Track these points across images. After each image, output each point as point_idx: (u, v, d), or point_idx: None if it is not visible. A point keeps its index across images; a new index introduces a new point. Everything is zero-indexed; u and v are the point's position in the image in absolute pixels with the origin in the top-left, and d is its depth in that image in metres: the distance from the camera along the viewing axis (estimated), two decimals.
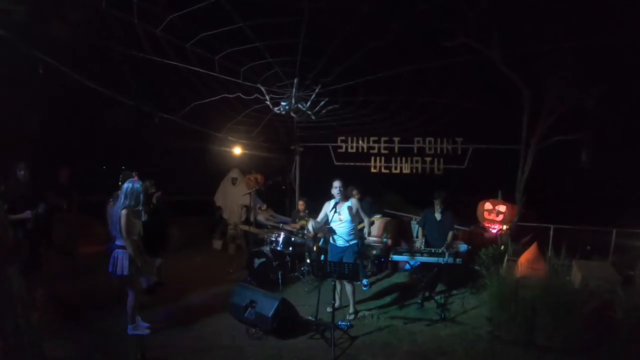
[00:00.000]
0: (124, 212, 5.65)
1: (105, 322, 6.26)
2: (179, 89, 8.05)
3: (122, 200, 5.75)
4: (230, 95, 8.10)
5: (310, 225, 6.93)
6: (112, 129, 10.11)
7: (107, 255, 5.91)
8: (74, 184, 8.77)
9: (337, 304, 6.59)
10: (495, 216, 9.09)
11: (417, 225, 8.83)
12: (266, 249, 8.42)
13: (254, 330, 6.09)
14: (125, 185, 5.83)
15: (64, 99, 8.20)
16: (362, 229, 7.50)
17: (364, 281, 8.21)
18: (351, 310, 6.92)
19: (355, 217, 6.84)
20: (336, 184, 6.82)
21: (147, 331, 5.94)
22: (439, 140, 10.19)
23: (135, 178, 6.29)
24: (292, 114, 8.58)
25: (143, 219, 6.05)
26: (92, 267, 7.29)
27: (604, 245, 8.15)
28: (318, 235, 9.10)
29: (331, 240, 7.00)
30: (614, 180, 10.27)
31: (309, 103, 8.26)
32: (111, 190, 6.65)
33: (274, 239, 8.75)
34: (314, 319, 6.40)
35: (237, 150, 11.62)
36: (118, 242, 5.77)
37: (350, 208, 6.76)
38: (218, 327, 6.38)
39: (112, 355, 5.35)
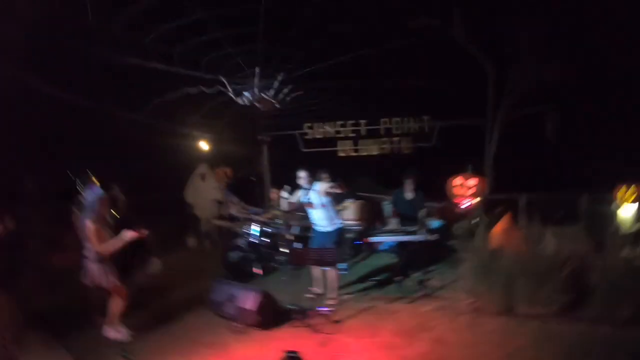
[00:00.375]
0: (90, 223, 5.44)
1: (86, 332, 6.03)
2: (141, 86, 7.86)
3: (87, 211, 5.54)
4: (192, 90, 7.96)
5: (285, 194, 6.79)
6: (74, 132, 9.79)
7: (81, 265, 5.71)
8: (42, 193, 8.47)
9: (317, 290, 6.57)
10: (466, 190, 9.21)
11: (389, 206, 8.87)
12: (241, 242, 8.34)
13: (236, 324, 6.03)
14: (87, 195, 5.62)
15: (21, 104, 7.86)
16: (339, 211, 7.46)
17: (342, 265, 8.20)
18: (331, 294, 6.91)
19: (329, 199, 6.78)
20: (301, 174, 6.76)
21: (128, 336, 5.76)
22: (405, 119, 10.23)
23: (94, 183, 6.09)
24: (255, 103, 8.48)
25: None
26: (69, 278, 7.05)
27: (574, 211, 8.34)
28: (292, 223, 9.06)
29: (314, 227, 6.96)
30: (581, 149, 10.54)
31: (272, 91, 8.18)
32: (75, 197, 6.38)
33: (248, 231, 8.67)
34: (295, 307, 6.37)
35: (204, 145, 11.43)
36: (88, 253, 5.57)
37: (318, 192, 6.71)
38: (200, 325, 6.28)
39: None
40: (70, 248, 6.23)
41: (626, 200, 7.66)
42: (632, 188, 7.68)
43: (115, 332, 5.78)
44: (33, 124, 9.12)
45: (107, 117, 8.58)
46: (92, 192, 5.59)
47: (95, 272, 5.53)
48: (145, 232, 5.71)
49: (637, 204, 7.68)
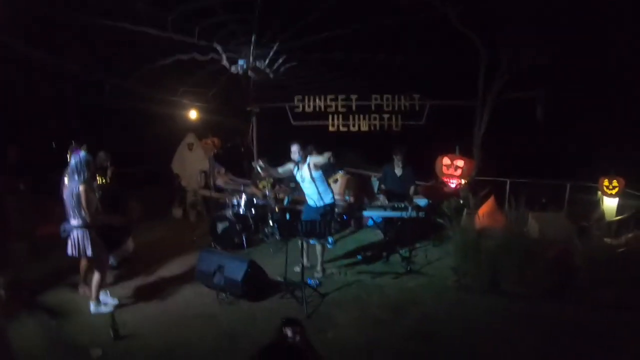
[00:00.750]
0: (82, 187, 5.31)
1: (73, 304, 5.94)
2: (130, 52, 7.66)
3: (75, 176, 5.39)
4: (184, 57, 7.80)
5: (258, 166, 6.76)
6: (60, 101, 9.54)
7: (64, 237, 5.61)
8: (25, 164, 8.30)
9: (305, 263, 6.60)
10: (453, 171, 9.27)
11: (377, 182, 8.90)
12: (228, 212, 8.30)
13: (224, 295, 6.03)
14: (73, 160, 5.44)
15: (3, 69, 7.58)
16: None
17: (329, 239, 8.24)
18: (319, 268, 6.96)
19: (320, 173, 6.78)
20: (294, 148, 6.70)
21: (111, 308, 5.69)
22: (396, 97, 10.20)
23: (78, 149, 5.95)
24: (249, 72, 8.36)
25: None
26: (53, 249, 6.94)
27: (558, 198, 8.52)
28: (280, 196, 9.06)
29: (307, 201, 6.96)
30: (568, 137, 10.69)
31: (266, 61, 8.07)
32: (63, 168, 6.20)
33: (235, 202, 8.63)
34: (283, 279, 6.41)
35: (193, 114, 11.28)
36: (74, 222, 5.42)
37: (309, 166, 6.70)
38: (188, 296, 6.26)
39: (84, 337, 5.10)
40: (56, 219, 6.07)
41: (609, 192, 7.83)
42: (614, 181, 7.85)
43: (101, 305, 5.74)
44: (17, 92, 8.88)
45: (93, 85, 8.37)
46: (76, 158, 5.42)
47: (81, 240, 5.44)
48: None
49: (617, 197, 7.88)
